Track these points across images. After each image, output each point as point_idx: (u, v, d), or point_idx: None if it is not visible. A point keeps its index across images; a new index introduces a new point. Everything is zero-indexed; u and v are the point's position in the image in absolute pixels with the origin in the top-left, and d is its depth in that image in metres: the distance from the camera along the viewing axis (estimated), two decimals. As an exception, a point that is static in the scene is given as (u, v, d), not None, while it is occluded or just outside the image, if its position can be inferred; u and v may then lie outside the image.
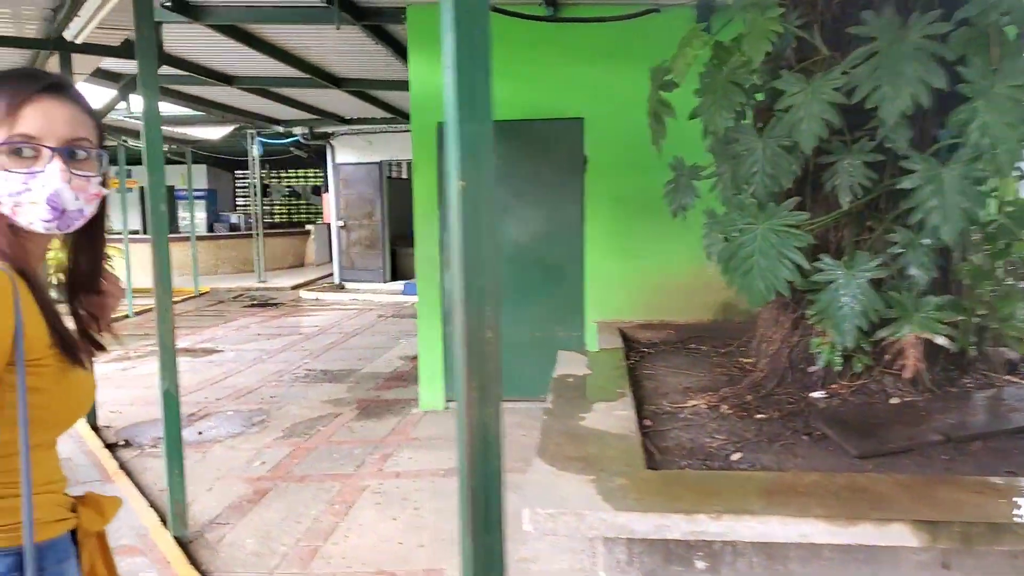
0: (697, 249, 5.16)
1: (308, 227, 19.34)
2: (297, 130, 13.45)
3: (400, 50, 6.70)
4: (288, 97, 10.28)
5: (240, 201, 24.22)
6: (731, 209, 3.26)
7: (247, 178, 24.37)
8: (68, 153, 1.23)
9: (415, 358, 8.14)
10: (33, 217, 1.21)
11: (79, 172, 1.24)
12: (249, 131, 14.51)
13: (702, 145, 3.51)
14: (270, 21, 5.92)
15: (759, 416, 3.42)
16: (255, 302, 13.36)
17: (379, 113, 11.81)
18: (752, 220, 3.12)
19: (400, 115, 11.83)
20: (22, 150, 1.20)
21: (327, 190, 15.61)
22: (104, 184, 1.31)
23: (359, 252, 14.37)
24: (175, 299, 13.49)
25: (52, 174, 1.20)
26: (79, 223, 1.27)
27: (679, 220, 5.13)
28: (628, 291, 5.52)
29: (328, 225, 20.03)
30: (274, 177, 23.89)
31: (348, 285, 14.35)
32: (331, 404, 6.30)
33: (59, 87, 1.25)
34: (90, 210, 1.29)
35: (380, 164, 13.98)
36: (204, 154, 15.72)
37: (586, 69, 5.40)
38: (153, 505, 4.14)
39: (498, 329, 1.46)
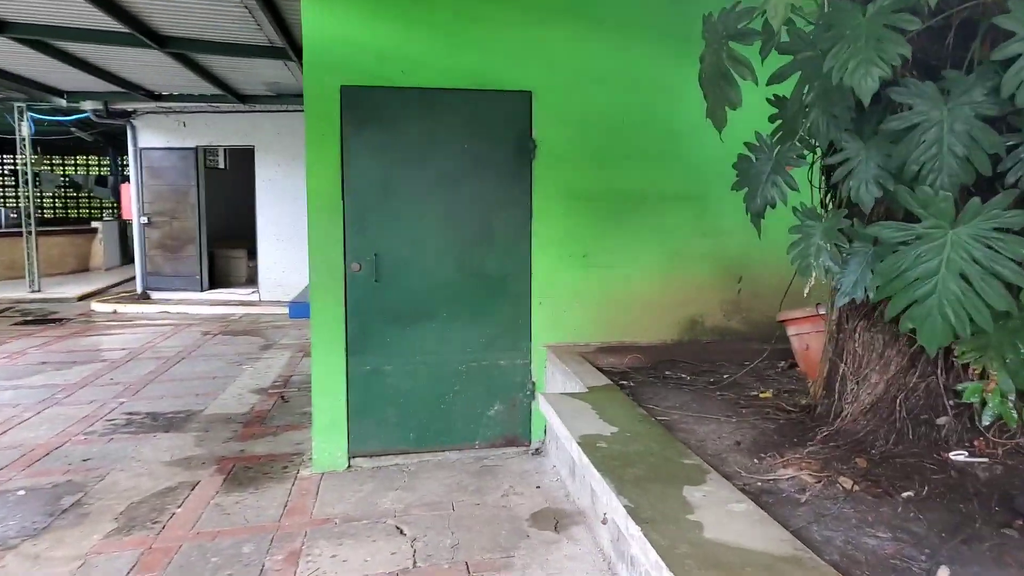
0: (666, 255, 4.30)
1: (94, 224, 16.24)
2: (87, 105, 10.91)
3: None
4: (82, 58, 8.07)
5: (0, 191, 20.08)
6: (899, 205, 2.26)
7: (11, 164, 20.33)
8: None
9: (274, 390, 6.55)
10: None
11: None
12: (17, 103, 11.64)
13: (754, 123, 2.53)
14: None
15: (906, 494, 2.53)
16: (30, 318, 10.65)
17: (204, 88, 9.79)
18: (938, 224, 2.15)
19: (232, 93, 9.90)
20: None
21: (122, 180, 13.03)
22: None
23: (168, 255, 12.05)
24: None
25: None
26: None
27: (646, 220, 4.18)
28: (584, 307, 4.47)
29: (125, 222, 17.05)
30: (45, 164, 20.05)
31: (155, 295, 11.99)
32: (179, 467, 4.62)
33: None
34: None
35: (196, 150, 11.80)
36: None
37: (537, 30, 4.27)
38: None
39: None
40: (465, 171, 4.32)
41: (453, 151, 4.30)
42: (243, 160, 14.69)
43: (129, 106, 11.21)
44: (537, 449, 4.49)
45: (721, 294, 4.55)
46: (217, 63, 8.30)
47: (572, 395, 3.38)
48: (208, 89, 9.96)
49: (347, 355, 4.30)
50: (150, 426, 5.50)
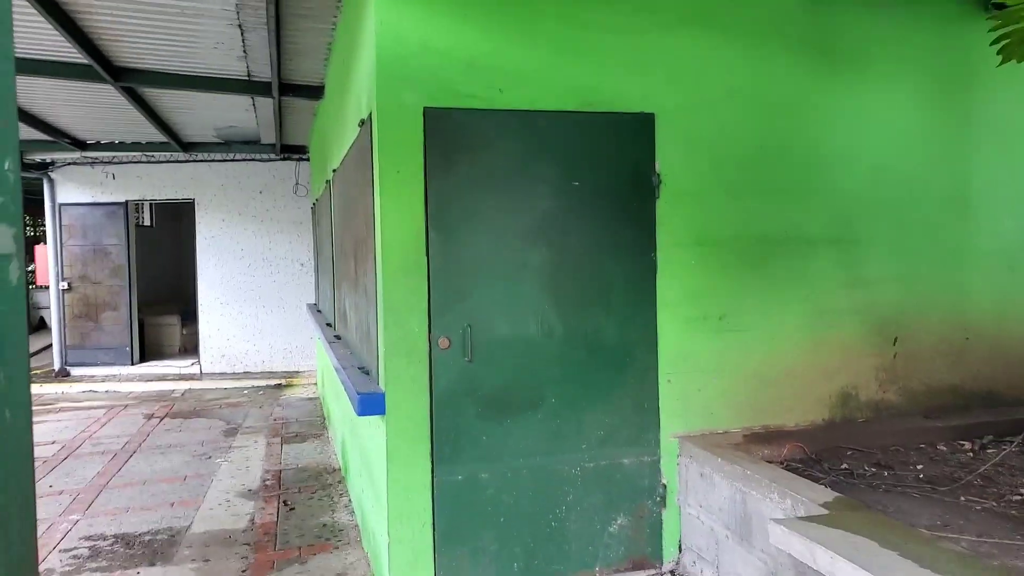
0: (811, 312, 3.46)
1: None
2: (-4, 154, 9.35)
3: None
4: None
5: None
6: None
7: None
8: None
9: (269, 494, 5.22)
10: None
11: None
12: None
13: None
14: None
15: None
16: (-79, 406, 8.81)
17: (143, 134, 8.52)
18: None
19: (175, 139, 8.64)
20: None
21: (33, 241, 11.34)
22: None
23: (91, 324, 10.44)
24: None
25: None
26: None
27: (786, 270, 3.40)
28: (719, 384, 3.60)
29: (29, 287, 15.05)
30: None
31: (75, 371, 10.32)
32: (191, 624, 3.39)
33: None
34: None
35: (125, 205, 10.37)
36: None
37: (659, 40, 3.47)
38: None
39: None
40: (574, 212, 3.42)
41: (559, 188, 3.40)
42: (172, 217, 13.23)
43: (48, 156, 9.73)
44: (672, 572, 3.52)
45: (875, 359, 3.78)
46: (168, 101, 7.12)
47: (809, 519, 2.46)
48: (148, 135, 8.70)
49: (433, 462, 3.25)
50: (126, 556, 4.19)
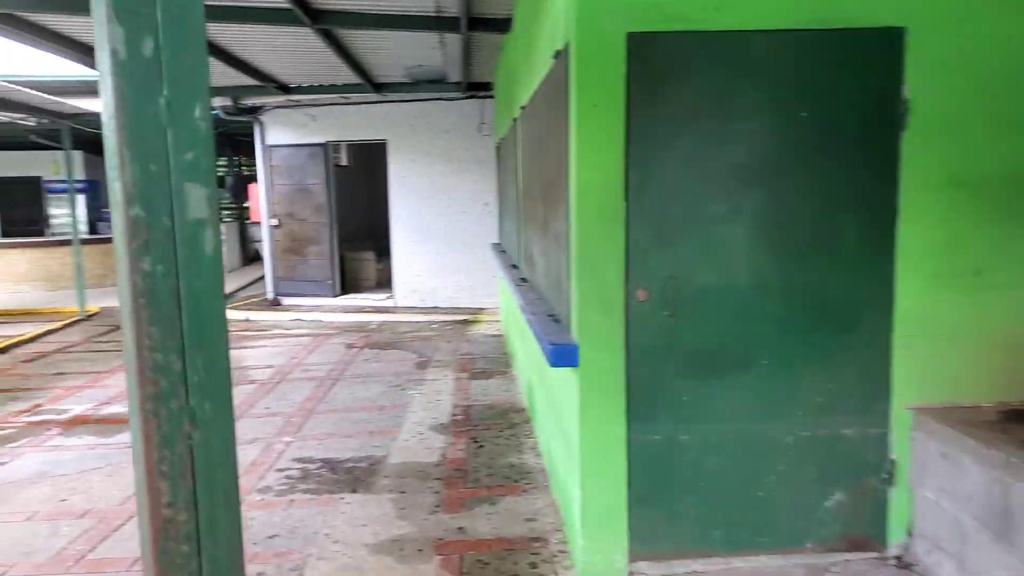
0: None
1: (216, 226, 15.76)
2: (217, 101, 10.17)
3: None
4: (221, 46, 7.17)
5: (122, 195, 20.09)
6: None
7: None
8: None
9: (458, 429, 5.35)
10: None
11: None
12: (145, 103, 11.06)
13: None
14: None
15: None
16: (163, 328, 10.01)
17: (339, 76, 8.83)
18: None
19: (368, 81, 8.89)
20: None
21: (244, 180, 12.36)
22: None
23: (297, 259, 11.26)
24: (54, 324, 9.93)
25: None
26: None
27: None
28: (972, 349, 3.06)
29: (243, 224, 16.61)
30: (165, 166, 19.93)
31: (285, 300, 11.23)
32: (390, 556, 3.50)
33: None
34: None
35: (325, 146, 10.93)
36: (85, 133, 12.06)
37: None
38: None
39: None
40: (797, 152, 2.99)
41: (780, 122, 2.97)
42: (367, 156, 13.85)
43: (259, 100, 10.43)
44: (899, 558, 3.11)
45: None
46: (361, 42, 7.26)
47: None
48: (343, 77, 9.01)
49: (628, 420, 3.05)
50: (331, 481, 4.45)
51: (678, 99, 2.95)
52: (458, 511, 3.98)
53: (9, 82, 8.15)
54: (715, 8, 2.87)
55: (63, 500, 4.22)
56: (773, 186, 3.00)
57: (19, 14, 5.62)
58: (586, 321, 3.02)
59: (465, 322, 9.83)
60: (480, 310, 10.29)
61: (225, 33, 6.71)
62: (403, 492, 4.27)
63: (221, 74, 8.36)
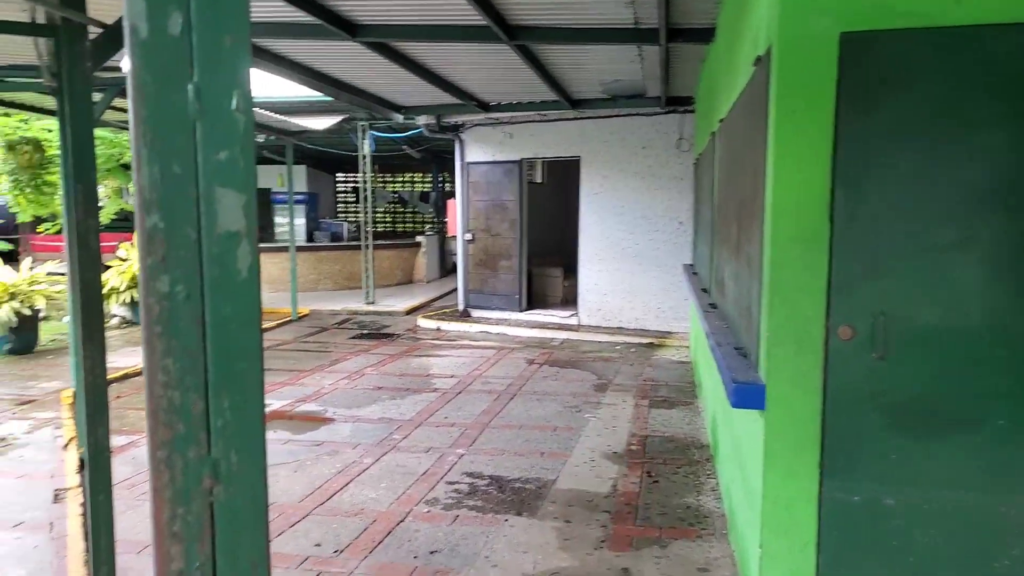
0: None
1: (418, 239, 16.70)
2: (421, 119, 10.72)
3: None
4: (423, 64, 7.48)
5: (339, 207, 21.97)
6: None
7: (348, 182, 22.20)
8: None
9: (633, 460, 4.96)
10: None
11: None
12: (360, 122, 11.95)
13: None
14: None
15: None
16: (364, 331, 10.70)
17: (536, 93, 8.92)
18: None
19: (564, 97, 8.89)
20: None
21: (445, 196, 12.91)
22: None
23: (488, 272, 11.52)
24: (269, 323, 10.98)
25: None
26: None
27: None
28: None
29: (443, 236, 17.43)
30: (379, 181, 21.51)
31: (474, 312, 11.53)
32: (547, 589, 3.35)
33: None
34: None
35: (520, 163, 11.11)
36: (307, 149, 13.25)
37: None
38: None
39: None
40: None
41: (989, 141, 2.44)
42: (559, 173, 13.93)
43: (459, 118, 10.84)
44: None
45: None
46: (558, 58, 7.25)
47: None
48: (540, 94, 9.10)
49: (821, 475, 2.65)
50: (497, 500, 4.38)
51: (900, 108, 2.53)
52: (624, 550, 3.74)
53: (247, 104, 9.11)
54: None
55: (253, 489, 4.52)
56: (1018, 211, 2.47)
57: (252, 41, 6.23)
58: (777, 358, 2.68)
59: (651, 345, 9.48)
60: (668, 334, 9.89)
61: (429, 53, 7.00)
62: (568, 521, 4.10)
63: (425, 92, 8.77)
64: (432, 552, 3.71)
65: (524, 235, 11.25)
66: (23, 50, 6.06)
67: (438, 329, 10.86)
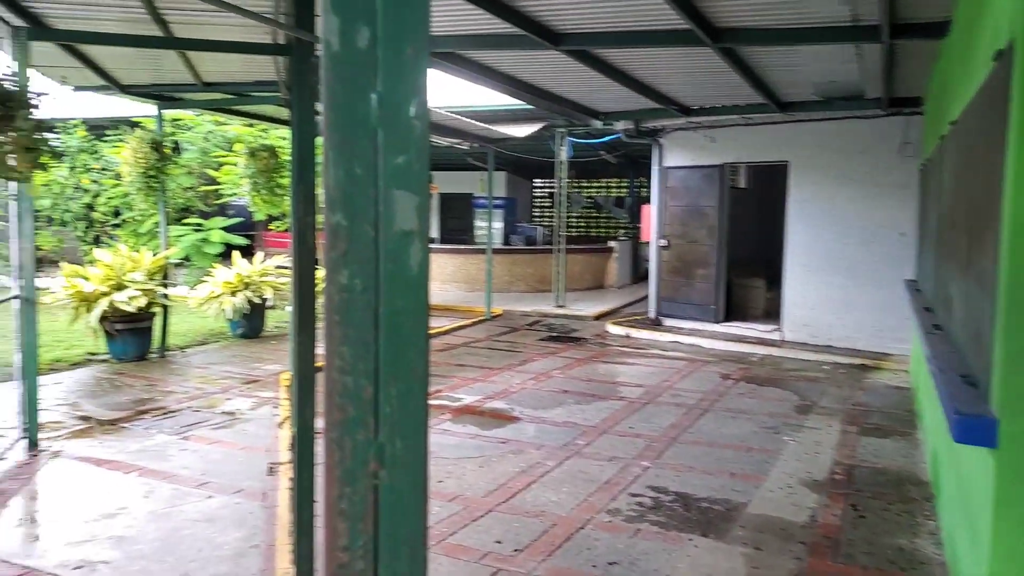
0: None
1: (611, 244, 16.66)
2: (619, 125, 10.67)
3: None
4: (622, 70, 7.44)
5: (535, 212, 22.52)
6: None
7: (545, 187, 22.72)
8: None
9: (836, 491, 4.48)
10: None
11: None
12: (559, 130, 12.15)
13: None
14: None
15: None
16: (553, 334, 10.85)
17: (741, 96, 8.54)
18: None
19: (772, 99, 8.43)
20: None
21: (640, 202, 12.77)
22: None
23: (682, 280, 11.21)
24: (465, 321, 11.51)
25: None
26: None
27: None
28: None
29: (636, 242, 17.26)
30: (574, 186, 21.77)
31: (666, 321, 11.27)
32: (731, 618, 3.17)
33: None
34: None
35: (721, 168, 10.70)
36: (507, 156, 13.73)
37: None
38: None
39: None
40: None
41: None
42: (763, 179, 13.23)
43: (659, 123, 10.66)
44: None
45: None
46: (765, 60, 6.88)
47: None
48: (745, 97, 8.68)
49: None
50: (682, 518, 4.23)
51: None
52: (821, 587, 3.45)
53: (451, 112, 9.63)
54: None
55: (439, 482, 4.73)
56: None
57: (458, 52, 6.56)
58: (1015, 389, 2.33)
59: (863, 367, 8.70)
60: (884, 355, 9.01)
61: (630, 59, 6.96)
62: (759, 549, 3.86)
63: (625, 98, 8.73)
64: (611, 563, 3.66)
65: (723, 242, 10.82)
66: (263, 68, 6.87)
67: (627, 336, 10.74)
